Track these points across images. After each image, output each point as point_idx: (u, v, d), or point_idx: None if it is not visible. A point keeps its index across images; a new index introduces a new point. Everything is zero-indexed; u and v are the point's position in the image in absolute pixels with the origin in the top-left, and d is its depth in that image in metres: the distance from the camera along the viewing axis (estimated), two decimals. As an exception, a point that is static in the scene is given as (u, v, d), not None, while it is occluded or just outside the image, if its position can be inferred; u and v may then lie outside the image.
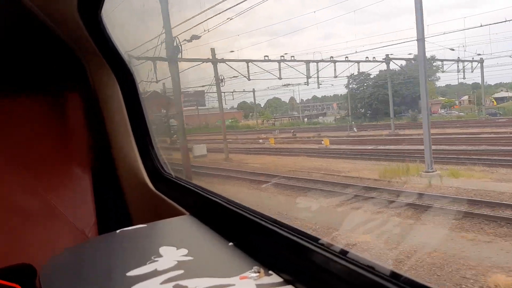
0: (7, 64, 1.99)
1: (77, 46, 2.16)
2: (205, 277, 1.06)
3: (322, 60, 24.60)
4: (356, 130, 27.28)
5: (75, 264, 1.32)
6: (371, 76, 34.35)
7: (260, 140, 26.40)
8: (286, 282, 1.02)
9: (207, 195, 1.66)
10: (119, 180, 2.32)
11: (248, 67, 22.78)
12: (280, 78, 23.57)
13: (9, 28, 1.97)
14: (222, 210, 1.49)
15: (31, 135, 2.12)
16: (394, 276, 0.81)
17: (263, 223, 1.23)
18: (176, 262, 1.17)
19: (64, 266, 1.30)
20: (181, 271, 1.11)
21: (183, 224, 1.60)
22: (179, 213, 1.74)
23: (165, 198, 1.96)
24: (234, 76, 23.53)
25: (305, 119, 41.75)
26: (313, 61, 24.44)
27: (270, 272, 1.07)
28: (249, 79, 23.25)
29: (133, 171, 2.22)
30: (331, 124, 36.51)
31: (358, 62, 25.71)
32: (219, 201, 1.55)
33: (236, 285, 1.01)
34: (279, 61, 23.20)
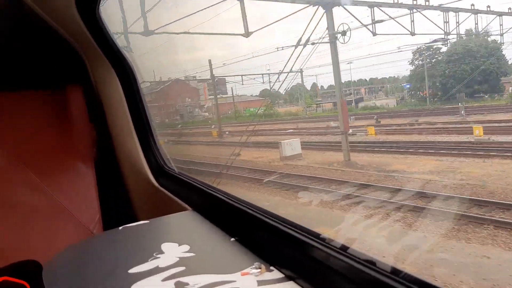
0: (7, 61, 1.99)
1: (77, 42, 2.15)
2: (206, 274, 1.06)
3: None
4: (464, 114, 21.15)
5: (78, 262, 1.33)
6: (442, 50, 27.93)
7: (350, 131, 18.16)
8: (288, 278, 1.01)
9: (210, 191, 1.66)
10: (122, 175, 2.33)
11: (372, 13, 14.28)
12: (413, 34, 16.29)
13: (8, 25, 1.97)
14: (225, 205, 1.49)
15: (34, 131, 2.13)
16: (395, 272, 0.80)
17: (265, 219, 1.23)
18: (178, 259, 1.17)
19: (67, 264, 1.31)
20: (182, 268, 1.11)
21: (186, 220, 1.61)
22: (182, 209, 1.74)
23: (168, 193, 1.97)
24: (361, 26, 14.71)
25: (352, 104, 37.25)
26: (453, 9, 16.51)
27: (272, 268, 1.06)
28: (374, 34, 15.18)
29: (136, 166, 2.23)
30: (398, 108, 29.24)
31: (500, 15, 17.91)
32: (222, 197, 1.55)
33: (237, 281, 1.01)
34: (411, 7, 15.39)
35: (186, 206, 1.75)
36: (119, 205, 2.31)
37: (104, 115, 2.28)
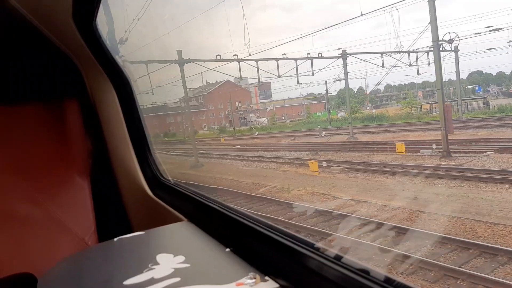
0: (3, 73, 2.00)
1: (73, 54, 2.17)
2: (201, 285, 1.06)
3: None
4: None
5: (73, 274, 1.32)
6: None
7: None
8: (282, 287, 1.02)
9: (205, 201, 1.66)
10: (118, 187, 2.32)
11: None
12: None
13: (4, 37, 1.98)
14: (220, 216, 1.49)
15: (29, 143, 2.12)
16: (388, 281, 0.81)
17: (260, 228, 1.23)
18: (173, 270, 1.17)
19: (61, 276, 1.30)
20: (177, 279, 1.11)
21: (181, 231, 1.61)
22: (177, 219, 1.74)
23: (163, 204, 1.97)
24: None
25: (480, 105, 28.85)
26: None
27: (267, 278, 1.07)
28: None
29: (132, 178, 2.23)
30: None
31: None
32: (217, 207, 1.55)
33: None
34: None
35: (181, 216, 1.74)
36: (115, 216, 2.30)
37: (100, 127, 2.29)
